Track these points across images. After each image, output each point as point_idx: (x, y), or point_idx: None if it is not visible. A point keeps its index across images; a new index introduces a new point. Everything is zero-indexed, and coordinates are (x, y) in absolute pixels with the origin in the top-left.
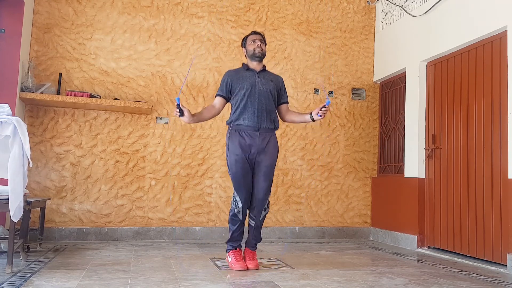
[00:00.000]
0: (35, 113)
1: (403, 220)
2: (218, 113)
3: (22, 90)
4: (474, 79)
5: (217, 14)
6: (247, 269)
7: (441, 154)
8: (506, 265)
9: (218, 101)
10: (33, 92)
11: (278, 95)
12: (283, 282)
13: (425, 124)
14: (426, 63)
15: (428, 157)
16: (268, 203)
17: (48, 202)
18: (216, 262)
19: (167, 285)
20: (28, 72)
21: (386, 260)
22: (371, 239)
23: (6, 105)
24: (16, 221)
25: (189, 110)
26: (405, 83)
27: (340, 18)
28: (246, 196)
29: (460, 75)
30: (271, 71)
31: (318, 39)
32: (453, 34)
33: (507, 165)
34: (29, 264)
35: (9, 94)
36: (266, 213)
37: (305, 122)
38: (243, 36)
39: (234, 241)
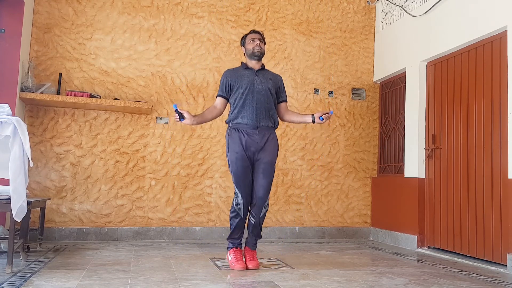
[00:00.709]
0: (35, 113)
1: (403, 220)
2: (220, 114)
3: (22, 90)
4: (474, 79)
5: (217, 14)
6: (247, 268)
7: (441, 154)
8: (506, 265)
9: (219, 101)
10: (33, 92)
11: (277, 94)
12: (283, 282)
13: (425, 124)
14: (426, 63)
15: (428, 157)
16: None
17: (48, 202)
18: (216, 262)
19: (167, 285)
20: (28, 72)
21: (386, 260)
22: (371, 239)
23: (6, 105)
24: (19, 221)
25: (188, 111)
26: (405, 83)
27: (340, 18)
28: (247, 193)
29: (460, 75)
30: (271, 71)
31: (318, 39)
32: (453, 34)
33: (507, 165)
34: (29, 264)
35: (9, 94)
36: (266, 211)
37: (304, 123)
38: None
39: (234, 238)
